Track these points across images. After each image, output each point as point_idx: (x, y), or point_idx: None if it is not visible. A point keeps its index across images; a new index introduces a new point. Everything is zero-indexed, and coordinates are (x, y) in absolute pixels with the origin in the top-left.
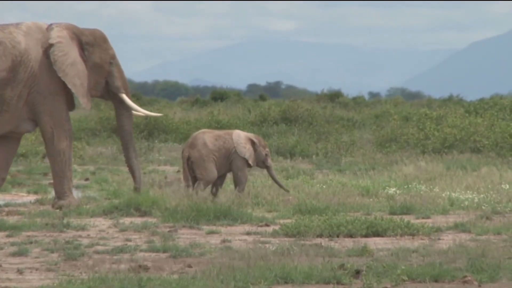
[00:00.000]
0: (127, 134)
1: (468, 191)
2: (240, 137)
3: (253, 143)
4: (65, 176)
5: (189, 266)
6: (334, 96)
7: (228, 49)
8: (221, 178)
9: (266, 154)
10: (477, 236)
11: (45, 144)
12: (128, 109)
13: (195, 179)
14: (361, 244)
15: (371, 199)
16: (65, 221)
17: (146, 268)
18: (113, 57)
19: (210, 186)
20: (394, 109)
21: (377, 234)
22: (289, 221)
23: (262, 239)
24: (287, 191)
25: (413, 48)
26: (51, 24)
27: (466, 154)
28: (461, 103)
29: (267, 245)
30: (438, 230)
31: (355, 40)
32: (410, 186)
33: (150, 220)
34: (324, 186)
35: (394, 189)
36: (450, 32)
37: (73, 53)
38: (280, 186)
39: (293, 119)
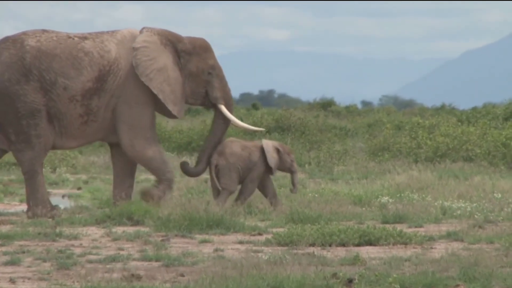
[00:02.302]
0: (213, 143)
1: (461, 200)
2: (269, 147)
3: (278, 151)
4: (165, 179)
5: (182, 275)
6: (326, 105)
7: (222, 58)
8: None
9: (291, 160)
10: (470, 245)
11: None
12: (226, 120)
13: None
14: (354, 253)
15: (363, 208)
16: (57, 230)
17: (138, 277)
18: (213, 67)
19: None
20: (386, 118)
21: (369, 243)
22: (281, 230)
23: (254, 248)
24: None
25: (406, 57)
26: (143, 29)
27: (459, 163)
28: (453, 112)
29: (259, 254)
30: (431, 239)
31: (348, 49)
32: (402, 195)
33: (143, 229)
34: (316, 195)
35: (386, 198)
36: (443, 41)
37: (163, 58)
38: (294, 188)
39: (286, 127)
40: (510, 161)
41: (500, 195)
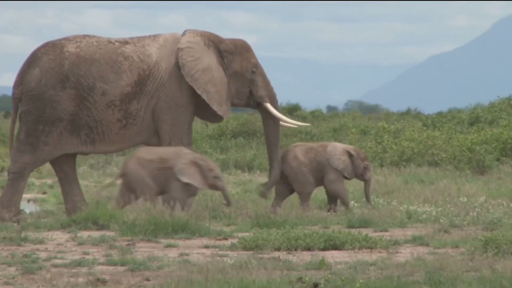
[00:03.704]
0: (274, 144)
1: (426, 204)
2: (336, 149)
3: (350, 155)
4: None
5: (147, 280)
6: (292, 110)
7: None
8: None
9: (364, 167)
10: (435, 249)
11: None
12: (274, 119)
13: (288, 192)
14: (319, 258)
15: (329, 213)
16: (22, 234)
17: (104, 282)
18: (256, 66)
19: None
20: (352, 122)
21: (335, 247)
22: (247, 234)
23: (220, 252)
24: (370, 205)
25: (372, 62)
26: (185, 31)
27: (424, 168)
28: (419, 116)
29: (225, 259)
30: (396, 243)
31: (315, 55)
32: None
33: (108, 233)
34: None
35: (352, 202)
36: (409, 46)
37: (207, 59)
38: (368, 199)
39: (251, 132)
40: (475, 165)
41: (465, 200)
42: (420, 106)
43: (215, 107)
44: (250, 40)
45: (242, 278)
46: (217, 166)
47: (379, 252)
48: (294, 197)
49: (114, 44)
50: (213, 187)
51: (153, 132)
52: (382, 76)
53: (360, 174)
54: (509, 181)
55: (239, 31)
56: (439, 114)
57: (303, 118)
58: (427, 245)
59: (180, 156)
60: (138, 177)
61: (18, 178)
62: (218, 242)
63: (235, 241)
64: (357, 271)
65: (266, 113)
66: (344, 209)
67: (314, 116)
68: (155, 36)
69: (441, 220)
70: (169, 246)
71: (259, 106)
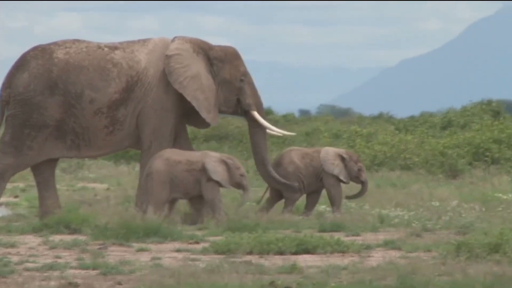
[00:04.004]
0: (262, 151)
1: (398, 208)
2: (328, 154)
3: (343, 158)
4: (145, 193)
5: (119, 284)
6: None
7: None
8: (314, 196)
9: (358, 169)
10: (407, 253)
11: (140, 155)
12: (261, 126)
13: (279, 197)
14: (291, 262)
15: (301, 217)
16: None
17: (76, 286)
18: (245, 74)
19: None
20: (324, 126)
21: (307, 251)
22: (219, 238)
23: (192, 256)
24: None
25: (344, 65)
26: (175, 37)
27: (396, 172)
28: (391, 120)
29: (197, 263)
30: (368, 247)
31: (287, 58)
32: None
33: (80, 237)
34: (254, 204)
35: (324, 206)
36: (381, 50)
37: (196, 66)
38: (354, 197)
39: (224, 136)
40: (447, 169)
41: (437, 204)
42: (392, 110)
43: (203, 114)
44: (222, 43)
45: (214, 282)
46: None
47: (351, 256)
48: (265, 202)
49: (103, 50)
50: (238, 185)
51: (138, 137)
52: (354, 79)
53: (356, 177)
54: (481, 185)
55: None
56: (412, 118)
57: (275, 122)
58: (399, 249)
59: (208, 156)
60: (163, 178)
61: None
62: (190, 246)
63: (207, 245)
64: (329, 275)
65: (253, 121)
66: (334, 213)
67: (287, 120)
68: (144, 41)
69: (413, 224)
70: (141, 250)
71: (246, 114)
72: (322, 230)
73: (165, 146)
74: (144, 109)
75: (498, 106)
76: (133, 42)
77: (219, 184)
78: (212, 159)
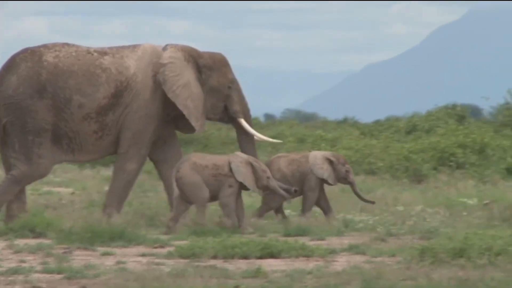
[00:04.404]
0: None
1: (363, 213)
2: (317, 158)
3: (330, 161)
4: (117, 194)
5: (84, 287)
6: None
7: None
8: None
9: (346, 171)
10: (372, 258)
11: (116, 158)
12: (248, 134)
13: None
14: (256, 266)
15: (266, 221)
16: None
17: None
18: (233, 81)
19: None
20: (289, 130)
21: (271, 255)
22: (184, 242)
23: (157, 260)
24: (373, 202)
25: (311, 70)
26: (166, 45)
27: (361, 176)
28: (356, 125)
29: (162, 267)
30: (333, 252)
31: (254, 62)
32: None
33: (45, 241)
34: (219, 208)
35: (289, 210)
36: (348, 54)
37: (187, 74)
38: (365, 200)
39: (189, 141)
40: (412, 174)
41: (402, 208)
42: (357, 114)
43: (193, 123)
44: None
45: (178, 286)
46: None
47: (316, 260)
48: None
49: (92, 55)
50: (266, 188)
51: None
52: (320, 84)
53: (343, 178)
54: (446, 190)
55: (178, 39)
56: (377, 122)
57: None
58: (364, 253)
59: (235, 157)
60: (192, 182)
61: (13, 182)
62: (154, 250)
63: (171, 249)
64: (294, 280)
65: (240, 128)
66: (303, 214)
67: (252, 124)
68: (134, 46)
69: (378, 229)
70: (106, 254)
71: (233, 121)
72: (287, 235)
73: (143, 152)
74: (129, 114)
75: (463, 111)
76: (122, 47)
77: (242, 185)
78: (238, 160)
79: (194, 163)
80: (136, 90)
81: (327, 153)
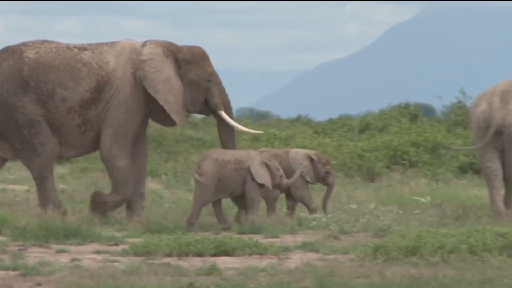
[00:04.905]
0: (231, 149)
1: (317, 211)
2: (298, 154)
3: (311, 160)
4: (119, 193)
5: (39, 285)
6: None
7: None
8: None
9: (326, 172)
10: (325, 255)
11: (101, 156)
12: (229, 126)
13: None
14: (210, 263)
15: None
16: None
17: None
18: (212, 74)
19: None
20: None
21: (226, 253)
22: (138, 240)
23: (111, 258)
24: (326, 214)
25: (264, 69)
26: (145, 41)
27: None
28: (309, 123)
29: (116, 264)
30: (286, 249)
31: None
32: (258, 205)
33: (0, 238)
34: (173, 206)
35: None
36: (301, 53)
37: (167, 70)
38: (325, 206)
39: None
40: (365, 172)
41: (355, 206)
42: (311, 113)
43: (173, 117)
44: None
45: (133, 284)
46: None
47: (270, 258)
48: (184, 204)
49: (72, 50)
50: (278, 186)
51: None
52: (273, 82)
53: (322, 179)
54: (398, 188)
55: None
56: (330, 121)
57: (194, 125)
58: (317, 251)
59: (252, 158)
60: (215, 178)
61: (42, 180)
62: (109, 248)
63: (126, 246)
64: (248, 277)
65: (221, 121)
66: (310, 213)
67: (206, 122)
68: (112, 43)
69: (331, 226)
70: (60, 251)
71: (213, 113)
72: (241, 232)
73: (128, 146)
74: (109, 110)
75: (416, 110)
76: (101, 44)
77: (262, 186)
78: (255, 162)
79: (216, 159)
80: (116, 86)
81: (311, 152)
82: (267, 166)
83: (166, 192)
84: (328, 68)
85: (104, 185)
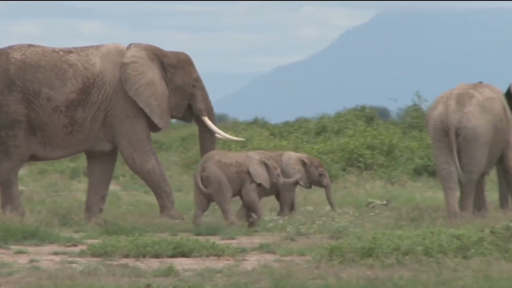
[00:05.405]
0: None
1: (273, 213)
2: (291, 158)
3: (304, 163)
4: (163, 191)
5: None
6: None
7: None
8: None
9: (320, 174)
10: (282, 257)
11: (129, 167)
12: (211, 132)
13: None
14: (167, 265)
15: (177, 220)
16: None
17: None
18: (197, 80)
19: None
20: None
21: (183, 254)
22: (96, 241)
23: (69, 259)
24: (334, 210)
25: (221, 71)
26: (130, 44)
27: None
28: (266, 126)
29: (74, 265)
30: (243, 251)
31: None
32: (215, 207)
33: None
34: (131, 207)
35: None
36: (258, 56)
37: (151, 73)
38: (332, 205)
39: None
40: None
41: (312, 208)
42: (267, 115)
43: (156, 120)
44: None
45: (91, 284)
46: None
47: (227, 259)
48: (142, 205)
49: (58, 53)
50: (276, 185)
51: (100, 141)
52: (230, 85)
53: (317, 181)
54: (354, 190)
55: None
56: (286, 123)
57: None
58: (274, 253)
59: (251, 158)
60: (219, 180)
61: (8, 185)
62: (67, 249)
63: (84, 247)
64: (205, 278)
65: (204, 126)
66: (282, 213)
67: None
68: (97, 46)
69: (287, 228)
70: (19, 252)
71: (196, 119)
72: (198, 234)
73: (148, 149)
74: (109, 121)
75: (372, 112)
76: (86, 47)
77: (261, 185)
78: (254, 162)
79: (218, 161)
80: (105, 91)
81: (303, 155)
82: (266, 165)
83: (124, 194)
84: (285, 71)
85: (62, 186)
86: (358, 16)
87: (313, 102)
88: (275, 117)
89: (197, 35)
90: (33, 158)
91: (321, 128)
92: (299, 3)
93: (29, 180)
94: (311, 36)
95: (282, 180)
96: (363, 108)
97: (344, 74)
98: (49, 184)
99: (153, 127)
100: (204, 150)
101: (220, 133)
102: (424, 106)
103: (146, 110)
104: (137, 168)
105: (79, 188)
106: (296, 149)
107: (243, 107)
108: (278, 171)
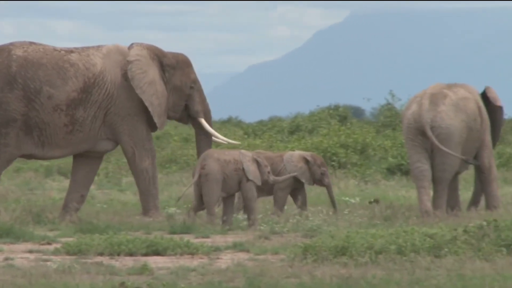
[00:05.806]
0: None
1: (269, 212)
2: (293, 156)
3: (307, 161)
4: (149, 194)
5: None
6: None
7: None
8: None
9: (322, 173)
10: (256, 255)
11: (128, 163)
12: (207, 134)
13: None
14: (142, 263)
15: (151, 218)
16: None
17: None
18: (195, 81)
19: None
20: (174, 130)
21: (157, 253)
22: (70, 239)
23: (44, 257)
24: (335, 210)
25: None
26: (132, 44)
27: None
28: (240, 125)
29: (48, 263)
30: (217, 249)
31: None
32: (189, 206)
33: None
34: (105, 206)
35: (174, 208)
36: (230, 56)
37: (152, 72)
38: (334, 205)
39: None
40: None
41: (285, 207)
42: (241, 114)
43: (155, 119)
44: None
45: (65, 283)
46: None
47: (201, 258)
48: (116, 204)
49: (59, 52)
50: (266, 182)
51: (99, 141)
52: (204, 85)
53: (319, 180)
54: None
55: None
56: (260, 122)
57: None
58: (248, 251)
59: (244, 155)
60: (218, 178)
61: None
62: (42, 247)
63: (58, 246)
64: (179, 277)
65: (200, 128)
66: (276, 213)
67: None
68: (98, 46)
69: (261, 227)
70: None
71: (193, 120)
72: (172, 232)
73: (148, 147)
74: (110, 118)
75: (345, 111)
76: (87, 47)
77: (254, 183)
78: (247, 159)
79: (218, 159)
80: (106, 90)
81: (306, 153)
82: (257, 162)
83: (98, 193)
84: (258, 70)
85: (36, 185)
86: (331, 16)
87: (287, 101)
88: (249, 116)
89: (170, 35)
90: (31, 157)
91: (295, 127)
92: (273, 3)
93: (4, 179)
94: (285, 36)
95: (272, 178)
96: (336, 107)
97: (317, 73)
98: (24, 183)
99: (151, 126)
100: (200, 151)
101: (216, 135)
102: (398, 105)
103: (150, 109)
104: (132, 164)
105: (53, 187)
106: (269, 148)
107: (217, 107)
108: (268, 168)
